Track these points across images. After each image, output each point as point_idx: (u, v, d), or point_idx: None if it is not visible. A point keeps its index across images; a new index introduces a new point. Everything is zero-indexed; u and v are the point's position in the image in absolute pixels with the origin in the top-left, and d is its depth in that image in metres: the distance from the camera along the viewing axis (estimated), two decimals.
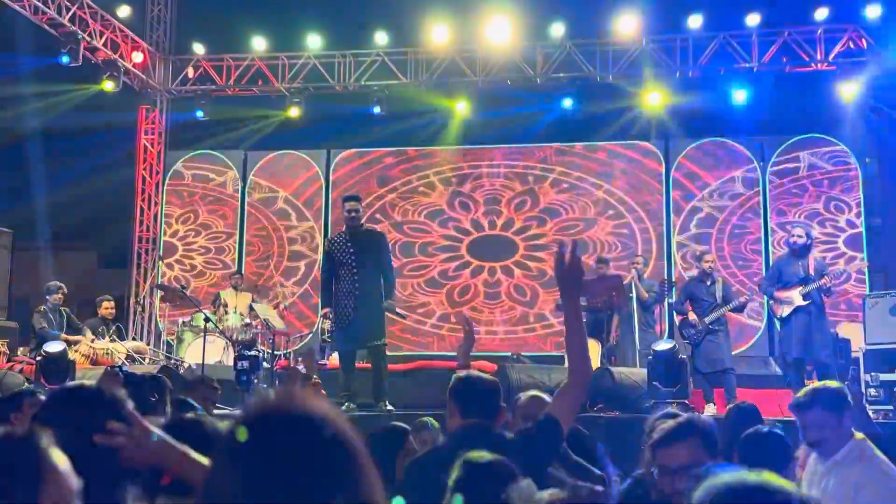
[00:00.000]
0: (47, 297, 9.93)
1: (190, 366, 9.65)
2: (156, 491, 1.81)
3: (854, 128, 12.42)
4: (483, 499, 2.32)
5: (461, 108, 13.09)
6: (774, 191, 12.71)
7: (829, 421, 3.52)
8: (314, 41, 13.28)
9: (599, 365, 9.30)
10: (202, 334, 9.54)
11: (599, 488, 2.44)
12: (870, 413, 7.50)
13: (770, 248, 12.49)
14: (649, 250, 12.74)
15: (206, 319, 9.39)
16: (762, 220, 12.68)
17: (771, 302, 9.28)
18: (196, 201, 13.97)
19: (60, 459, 1.36)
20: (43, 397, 4.61)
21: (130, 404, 1.87)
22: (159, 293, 12.76)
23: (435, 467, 2.68)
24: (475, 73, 13.01)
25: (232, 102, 13.83)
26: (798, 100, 12.50)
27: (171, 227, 13.93)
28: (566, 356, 3.21)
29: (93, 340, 9.79)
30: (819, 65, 12.29)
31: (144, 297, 13.43)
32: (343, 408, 7.61)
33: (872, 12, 11.82)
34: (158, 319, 13.22)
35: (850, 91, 11.98)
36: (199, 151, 14.09)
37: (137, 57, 13.16)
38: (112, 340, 9.95)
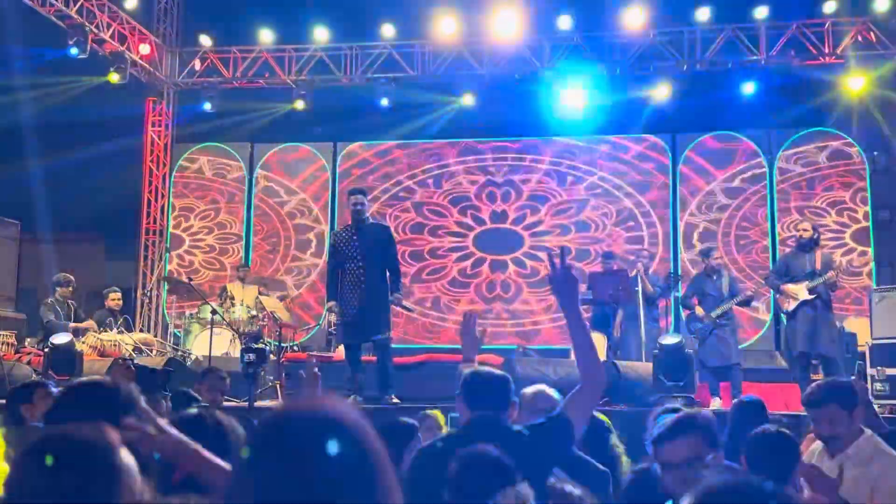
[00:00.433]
0: (56, 289, 9.97)
1: (197, 357, 9.69)
2: (168, 488, 1.83)
3: (862, 121, 12.38)
4: (472, 498, 2.30)
5: (468, 101, 13.07)
6: (781, 184, 12.69)
7: (842, 417, 3.54)
8: (321, 33, 13.28)
9: (605, 359, 9.33)
10: (209, 326, 9.58)
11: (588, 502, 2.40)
12: (875, 408, 7.49)
13: (777, 241, 12.47)
14: (655, 245, 12.73)
15: (213, 312, 9.43)
16: (769, 214, 12.66)
17: (777, 296, 9.27)
18: (203, 193, 14.02)
19: (129, 458, 1.37)
20: (54, 389, 4.65)
21: (143, 400, 1.88)
22: (166, 285, 12.83)
23: (442, 459, 2.68)
24: (482, 66, 13.00)
25: (239, 95, 13.83)
26: (806, 93, 12.44)
27: (177, 218, 13.97)
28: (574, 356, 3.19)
29: (101, 331, 9.84)
30: (827, 58, 12.24)
31: (151, 289, 13.48)
32: (349, 401, 7.63)
33: (881, 5, 11.77)
34: (166, 311, 13.27)
35: (858, 84, 11.94)
36: (205, 144, 14.12)
37: (145, 49, 13.17)
38: (119, 332, 10.00)
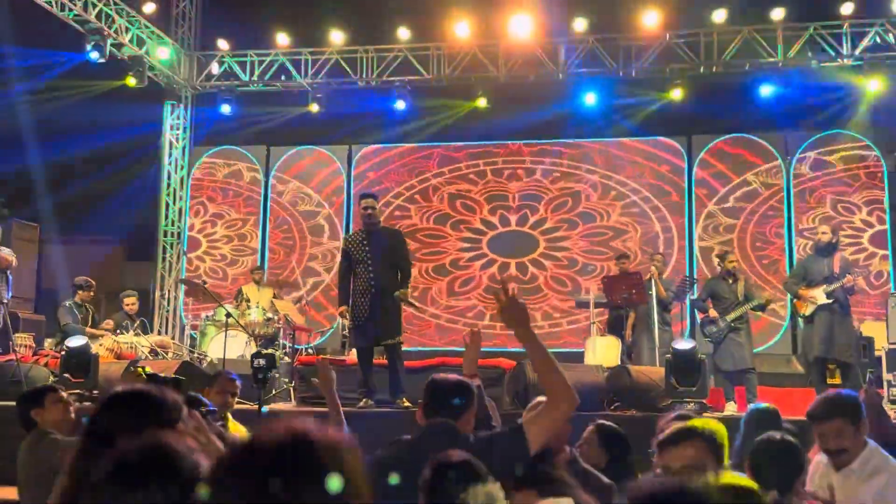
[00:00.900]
0: (78, 292, 10.06)
1: (212, 360, 9.76)
2: None
3: (880, 124, 12.26)
4: (441, 498, 2.31)
5: (483, 104, 13.06)
6: (799, 187, 12.59)
7: (848, 430, 3.48)
8: (337, 37, 13.33)
9: (619, 363, 9.30)
10: (224, 329, 9.64)
11: None
12: (889, 413, 7.42)
13: (794, 245, 12.37)
14: (670, 248, 12.67)
15: (228, 315, 9.47)
16: (786, 217, 12.56)
17: (795, 300, 9.20)
18: (220, 196, 14.11)
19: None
20: (64, 394, 4.69)
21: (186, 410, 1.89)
22: (183, 287, 12.92)
23: (396, 464, 2.73)
24: (497, 69, 12.99)
25: (255, 98, 13.93)
26: (823, 95, 12.33)
27: (194, 221, 14.08)
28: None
29: (117, 334, 9.93)
30: (845, 60, 12.14)
31: (168, 291, 13.59)
32: (361, 404, 7.66)
33: None
34: (182, 314, 13.37)
35: (876, 86, 11.83)
36: (222, 146, 14.22)
37: (163, 53, 13.28)
38: (136, 335, 10.08)
